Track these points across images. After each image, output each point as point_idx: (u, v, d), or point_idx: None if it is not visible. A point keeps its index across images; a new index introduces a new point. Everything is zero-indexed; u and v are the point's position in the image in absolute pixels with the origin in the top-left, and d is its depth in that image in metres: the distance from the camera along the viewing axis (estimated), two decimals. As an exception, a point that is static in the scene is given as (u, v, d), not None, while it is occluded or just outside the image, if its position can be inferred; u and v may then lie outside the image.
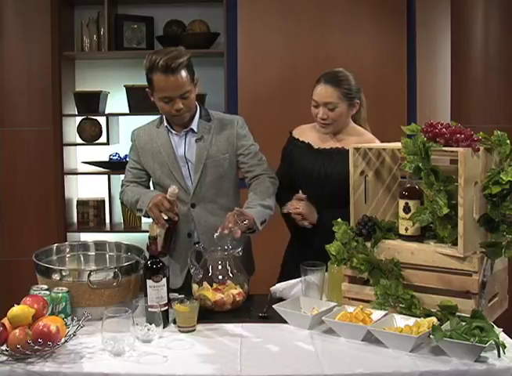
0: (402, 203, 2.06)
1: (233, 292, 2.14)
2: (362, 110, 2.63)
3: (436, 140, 1.96)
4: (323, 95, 2.48)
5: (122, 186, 2.64)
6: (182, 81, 2.35)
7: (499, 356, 1.72)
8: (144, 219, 4.20)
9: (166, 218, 2.35)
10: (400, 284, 1.98)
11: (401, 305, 1.98)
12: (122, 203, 2.76)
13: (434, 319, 1.86)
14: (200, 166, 2.48)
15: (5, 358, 1.74)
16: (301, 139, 2.66)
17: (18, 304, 1.83)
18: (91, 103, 4.12)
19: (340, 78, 2.50)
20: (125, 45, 4.20)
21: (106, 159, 4.27)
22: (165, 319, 2.00)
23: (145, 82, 2.42)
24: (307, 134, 2.66)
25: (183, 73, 2.34)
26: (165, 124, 2.51)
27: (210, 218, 2.50)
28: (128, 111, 4.13)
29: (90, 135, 4.17)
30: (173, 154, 2.50)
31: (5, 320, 1.78)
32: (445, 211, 1.92)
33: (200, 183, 2.49)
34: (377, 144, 2.36)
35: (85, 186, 4.37)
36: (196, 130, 2.50)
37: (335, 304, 2.07)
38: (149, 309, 1.95)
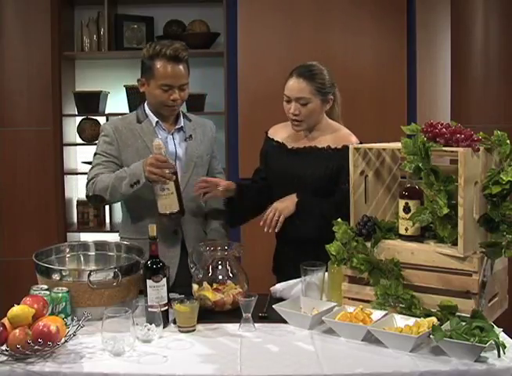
0: (402, 203, 2.06)
1: (233, 292, 2.14)
2: (336, 107, 2.54)
3: (436, 140, 1.96)
4: (295, 89, 2.41)
5: (92, 179, 2.42)
6: (184, 73, 2.44)
7: (499, 356, 1.72)
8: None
9: (168, 172, 2.28)
10: (400, 284, 1.98)
11: (401, 305, 1.97)
12: (90, 197, 2.44)
13: (434, 319, 1.86)
14: (191, 164, 2.51)
15: (5, 358, 1.73)
16: (275, 139, 2.59)
17: (18, 304, 1.83)
18: (91, 103, 4.12)
19: (313, 72, 2.42)
20: (125, 45, 4.20)
21: (106, 159, 4.27)
22: (165, 319, 2.00)
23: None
24: (280, 133, 2.59)
25: (186, 65, 2.45)
26: (155, 119, 2.50)
27: (193, 219, 2.51)
28: (128, 111, 4.11)
29: (90, 135, 4.17)
30: None
31: (5, 320, 1.78)
32: (445, 211, 1.92)
33: (190, 182, 2.49)
34: (377, 144, 2.36)
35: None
36: (184, 129, 2.54)
37: (335, 304, 2.07)
38: (149, 309, 1.95)
